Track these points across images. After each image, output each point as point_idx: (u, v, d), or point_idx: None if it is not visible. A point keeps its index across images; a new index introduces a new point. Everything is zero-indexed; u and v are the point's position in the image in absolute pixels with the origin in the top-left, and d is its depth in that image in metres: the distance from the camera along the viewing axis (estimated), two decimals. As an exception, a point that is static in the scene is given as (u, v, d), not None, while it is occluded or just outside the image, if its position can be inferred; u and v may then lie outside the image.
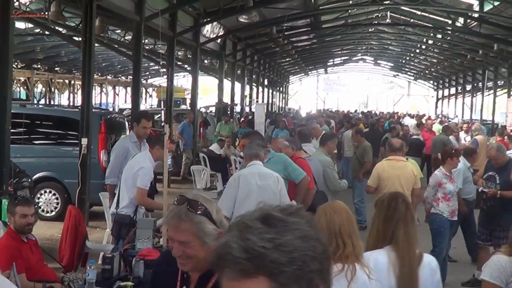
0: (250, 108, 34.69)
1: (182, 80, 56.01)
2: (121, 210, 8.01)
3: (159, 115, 23.48)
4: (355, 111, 52.53)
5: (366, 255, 4.15)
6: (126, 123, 15.14)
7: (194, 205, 2.98)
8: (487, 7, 23.38)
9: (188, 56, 24.60)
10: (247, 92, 36.59)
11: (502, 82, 39.40)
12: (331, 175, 9.85)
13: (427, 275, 4.25)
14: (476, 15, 26.05)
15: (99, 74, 44.55)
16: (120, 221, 7.98)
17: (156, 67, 31.16)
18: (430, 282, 4.27)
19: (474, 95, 46.47)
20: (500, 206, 9.37)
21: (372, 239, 4.41)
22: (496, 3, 22.15)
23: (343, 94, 72.90)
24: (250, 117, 27.41)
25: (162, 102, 31.06)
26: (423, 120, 27.93)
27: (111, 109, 37.54)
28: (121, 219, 7.96)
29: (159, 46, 23.76)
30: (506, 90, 38.53)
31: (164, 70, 21.69)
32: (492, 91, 40.11)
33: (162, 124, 20.09)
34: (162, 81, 37.45)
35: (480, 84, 41.16)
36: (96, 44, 15.80)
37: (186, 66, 28.21)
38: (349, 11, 29.06)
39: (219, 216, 3.06)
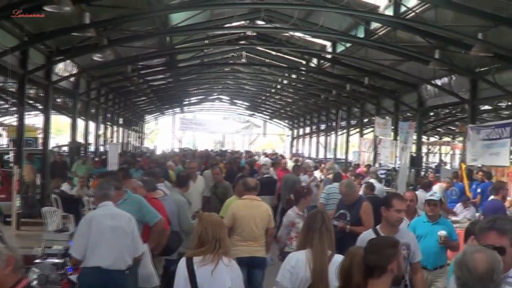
0: (105, 148, 34.13)
1: (34, 119, 54.09)
2: None
3: (9, 155, 22.67)
4: (211, 150, 52.90)
5: (290, 255, 6.12)
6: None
7: None
8: (340, 48, 24.59)
9: (40, 94, 23.96)
10: (101, 131, 36.02)
11: (355, 121, 41.16)
12: (184, 215, 9.87)
13: (335, 270, 5.46)
14: (329, 56, 27.29)
15: None
16: None
17: (7, 106, 30.05)
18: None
19: (328, 134, 48.16)
20: (350, 239, 9.79)
21: (299, 244, 6.21)
22: (348, 45, 23.30)
23: (200, 133, 73.15)
24: (103, 156, 26.98)
25: (12, 142, 29.93)
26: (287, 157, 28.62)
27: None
28: None
29: (10, 84, 23.02)
30: (358, 129, 40.23)
31: (15, 108, 21.01)
32: (345, 130, 41.82)
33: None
34: (13, 120, 36.12)
35: (334, 123, 42.76)
36: None
37: (38, 104, 27.43)
38: (205, 50, 29.44)
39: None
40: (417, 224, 8.80)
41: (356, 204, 9.97)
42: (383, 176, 25.85)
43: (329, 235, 6.11)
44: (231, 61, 34.34)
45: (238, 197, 10.16)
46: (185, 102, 58.39)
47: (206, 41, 26.32)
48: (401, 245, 6.52)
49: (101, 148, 34.70)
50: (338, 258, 5.79)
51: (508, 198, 14.68)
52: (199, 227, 5.91)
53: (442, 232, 8.45)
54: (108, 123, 38.84)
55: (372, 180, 17.53)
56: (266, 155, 40.85)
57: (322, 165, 24.11)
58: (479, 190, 17.71)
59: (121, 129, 45.53)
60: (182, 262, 5.81)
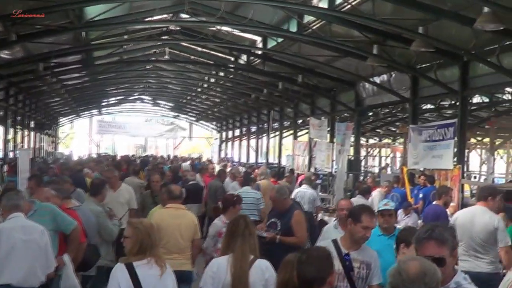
0: (14, 154, 33.22)
1: None
2: None
3: None
4: (133, 155, 52.33)
5: (213, 261, 6.68)
6: None
7: None
8: (271, 44, 24.53)
9: None
10: (10, 136, 35.06)
11: (288, 122, 41.29)
12: (103, 223, 9.74)
13: (257, 274, 6.34)
14: (259, 52, 27.23)
15: None
16: None
17: None
18: (259, 278, 6.33)
19: (260, 136, 48.23)
20: (280, 250, 9.65)
21: (222, 249, 6.72)
22: (279, 40, 23.26)
23: (119, 137, 72.32)
24: (13, 163, 26.20)
25: None
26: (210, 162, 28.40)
27: None
28: None
29: None
30: (292, 131, 40.36)
31: None
32: (278, 133, 41.93)
33: None
34: None
35: (266, 125, 42.81)
36: None
37: None
38: (124, 46, 29.00)
39: None
40: (372, 238, 8.42)
41: (287, 213, 9.93)
42: (318, 181, 25.88)
43: (252, 239, 6.60)
44: (153, 58, 33.98)
45: (162, 206, 10.07)
46: (103, 103, 57.66)
47: (126, 37, 25.95)
48: (361, 263, 6.46)
49: (11, 154, 33.73)
50: (260, 262, 6.44)
51: (452, 204, 14.80)
52: (138, 233, 6.21)
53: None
54: (18, 127, 37.84)
55: (304, 186, 17.52)
56: (186, 159, 40.69)
57: (256, 171, 24.02)
58: (421, 196, 17.88)
59: (32, 133, 44.47)
60: (121, 269, 6.05)
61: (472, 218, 9.82)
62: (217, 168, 26.39)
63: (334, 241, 6.73)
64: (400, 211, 16.54)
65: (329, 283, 4.73)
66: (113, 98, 54.89)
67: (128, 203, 12.69)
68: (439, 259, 4.35)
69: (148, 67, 36.63)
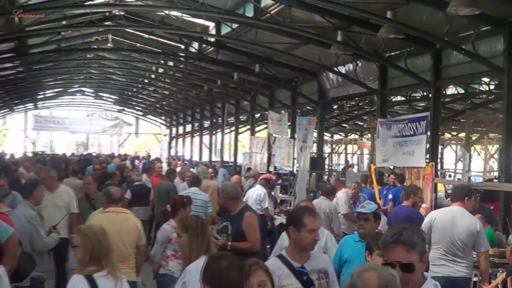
0: None
1: None
2: None
3: None
4: (72, 154, 51.87)
5: (187, 268, 6.38)
6: None
7: None
8: (225, 30, 24.39)
9: None
10: None
11: (245, 117, 41.22)
12: (36, 232, 9.55)
13: None
14: (212, 39, 27.08)
15: None
16: None
17: None
18: None
19: (213, 132, 48.12)
20: None
21: (194, 254, 6.56)
22: (234, 26, 23.14)
23: (58, 133, 71.64)
24: None
25: None
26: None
27: None
28: None
29: None
30: (249, 127, 40.31)
31: None
32: (233, 128, 41.85)
33: None
34: None
35: (220, 120, 42.70)
36: None
37: None
38: (63, 33, 28.65)
39: None
40: (345, 244, 8.35)
41: (239, 215, 9.82)
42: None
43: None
44: (94, 46, 33.75)
45: (102, 211, 10.04)
46: (40, 97, 56.95)
47: (64, 22, 25.56)
48: (319, 273, 6.34)
49: None
50: None
51: (424, 205, 14.80)
52: (86, 241, 6.29)
53: None
54: None
55: (258, 187, 17.42)
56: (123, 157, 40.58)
57: (211, 170, 23.94)
58: (390, 196, 17.91)
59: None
60: (80, 280, 6.15)
61: (453, 219, 9.90)
62: (166, 167, 26.27)
63: (280, 257, 6.51)
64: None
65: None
66: (51, 91, 54.27)
67: (67, 207, 12.48)
68: (408, 265, 4.38)
69: (89, 56, 36.36)
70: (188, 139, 56.19)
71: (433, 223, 9.96)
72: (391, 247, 4.46)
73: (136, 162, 41.13)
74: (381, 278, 3.77)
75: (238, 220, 9.72)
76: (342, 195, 16.84)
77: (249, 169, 28.59)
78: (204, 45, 28.67)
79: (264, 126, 39.28)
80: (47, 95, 56.75)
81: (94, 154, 49.12)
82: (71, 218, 12.20)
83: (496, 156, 26.91)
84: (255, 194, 16.96)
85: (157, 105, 56.86)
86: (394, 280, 3.81)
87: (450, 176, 30.75)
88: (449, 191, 26.26)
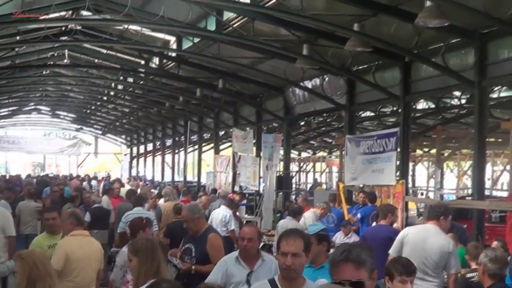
0: None
1: None
2: None
3: None
4: (28, 175, 51.38)
5: None
6: None
7: None
8: (186, 44, 24.32)
9: None
10: None
11: (208, 134, 41.11)
12: None
13: None
14: (173, 54, 26.99)
15: None
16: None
17: None
18: None
19: (176, 151, 47.94)
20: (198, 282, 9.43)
21: (142, 278, 6.63)
22: (196, 40, 23.07)
23: (14, 154, 71.04)
24: None
25: None
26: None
27: None
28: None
29: None
30: (212, 145, 40.20)
31: None
32: (196, 146, 41.71)
33: None
34: None
35: (182, 138, 42.53)
36: None
37: None
38: (17, 49, 28.39)
39: None
40: None
41: (202, 237, 9.73)
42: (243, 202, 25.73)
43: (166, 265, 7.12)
44: (50, 62, 33.39)
45: (46, 234, 10.25)
46: (-6, 115, 56.43)
47: (18, 38, 25.32)
48: None
49: None
50: None
51: (395, 225, 14.78)
52: (25, 265, 6.36)
53: (321, 281, 6.90)
54: None
55: (223, 208, 17.26)
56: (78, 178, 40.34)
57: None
58: (359, 216, 17.85)
59: None
60: None
61: (426, 237, 9.93)
62: (128, 187, 26.05)
63: (271, 282, 6.18)
64: (339, 233, 16.53)
65: None
66: (5, 109, 53.79)
67: (2, 230, 12.12)
68: (358, 283, 4.41)
69: (45, 72, 35.98)
70: (149, 158, 55.93)
71: (405, 239, 9.97)
72: (340, 265, 4.49)
73: (93, 182, 40.82)
74: None
75: (203, 241, 9.63)
76: (310, 215, 16.77)
77: (214, 190, 28.42)
78: (165, 61, 28.59)
79: (229, 144, 39.17)
80: (1, 113, 56.21)
81: (51, 175, 48.58)
82: (8, 241, 11.95)
83: (469, 172, 27.01)
84: (220, 215, 16.83)
85: (117, 123, 56.57)
86: None
87: (422, 194, 30.87)
88: (421, 210, 26.40)
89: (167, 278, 6.07)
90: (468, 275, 9.82)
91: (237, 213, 18.66)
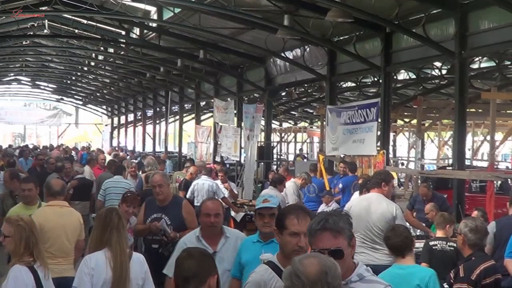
0: None
1: None
2: None
3: None
4: (10, 146, 51.09)
5: (88, 256, 6.77)
6: None
7: None
8: (167, 15, 24.18)
9: None
10: None
11: (189, 105, 40.99)
12: None
13: (136, 267, 6.84)
14: (154, 24, 26.84)
15: None
16: None
17: None
18: (139, 271, 6.86)
19: (157, 122, 47.85)
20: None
21: (94, 244, 6.88)
22: (177, 11, 22.94)
23: (-6, 125, 70.79)
24: None
25: None
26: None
27: None
28: None
29: None
30: (194, 115, 40.12)
31: None
32: (177, 117, 41.62)
33: None
34: None
35: (163, 108, 42.44)
36: None
37: None
38: (-4, 18, 28.19)
39: None
40: (243, 246, 7.22)
41: (173, 204, 9.69)
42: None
43: (125, 233, 7.03)
44: (30, 33, 33.16)
45: (22, 205, 10.07)
46: (-27, 86, 56.13)
47: (-4, 7, 25.11)
48: None
49: None
50: (137, 256, 7.05)
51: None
52: (21, 231, 6.56)
53: (266, 256, 6.20)
54: None
55: (204, 177, 17.14)
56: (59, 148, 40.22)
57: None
58: (340, 186, 17.86)
59: None
60: (26, 272, 6.45)
61: (368, 206, 9.98)
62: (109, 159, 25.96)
63: (271, 264, 5.57)
64: (322, 205, 16.53)
65: (208, 285, 4.69)
66: (-17, 80, 53.56)
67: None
68: (337, 251, 4.40)
69: (25, 43, 35.80)
70: (130, 129, 55.77)
71: (350, 211, 9.90)
72: (318, 234, 4.47)
73: (73, 153, 40.62)
74: (322, 264, 3.79)
75: (176, 208, 9.60)
76: (290, 184, 16.82)
77: (190, 159, 28.21)
78: (145, 31, 28.42)
79: (210, 114, 39.14)
80: (-22, 84, 56.05)
81: (30, 146, 48.25)
82: None
83: (450, 143, 27.12)
84: (206, 185, 16.61)
85: (98, 94, 56.42)
86: (334, 267, 3.82)
87: (402, 164, 30.96)
88: (401, 180, 26.50)
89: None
90: (431, 243, 10.04)
91: (227, 184, 18.42)
